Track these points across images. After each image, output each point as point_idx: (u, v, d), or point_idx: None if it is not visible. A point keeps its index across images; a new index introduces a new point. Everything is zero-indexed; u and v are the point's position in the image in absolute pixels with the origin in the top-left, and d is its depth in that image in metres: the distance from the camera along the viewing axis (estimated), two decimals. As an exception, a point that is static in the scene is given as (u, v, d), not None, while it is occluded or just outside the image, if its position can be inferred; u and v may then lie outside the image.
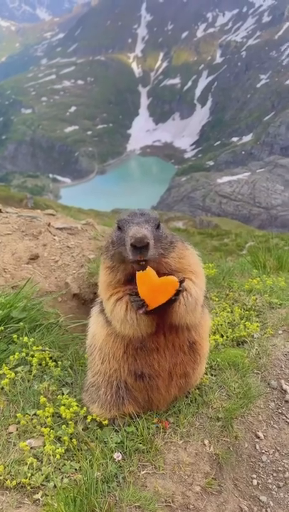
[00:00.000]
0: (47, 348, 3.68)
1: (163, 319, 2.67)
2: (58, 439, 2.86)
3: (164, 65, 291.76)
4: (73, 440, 2.80)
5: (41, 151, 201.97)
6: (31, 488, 2.49)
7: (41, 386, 3.26)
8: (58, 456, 2.67)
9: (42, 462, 2.67)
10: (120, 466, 2.66)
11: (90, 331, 3.06)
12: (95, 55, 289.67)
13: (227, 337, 4.14)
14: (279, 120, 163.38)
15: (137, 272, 2.47)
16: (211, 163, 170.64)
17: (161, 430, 2.94)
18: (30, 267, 5.52)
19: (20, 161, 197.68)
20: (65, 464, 2.66)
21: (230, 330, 4.22)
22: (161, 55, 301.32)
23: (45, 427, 2.88)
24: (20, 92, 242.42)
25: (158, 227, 2.62)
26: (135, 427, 2.92)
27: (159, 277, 2.50)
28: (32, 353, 3.56)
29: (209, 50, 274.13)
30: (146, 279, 2.46)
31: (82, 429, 2.95)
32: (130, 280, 2.66)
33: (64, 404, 3.05)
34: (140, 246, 2.35)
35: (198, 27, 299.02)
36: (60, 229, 6.64)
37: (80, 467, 2.63)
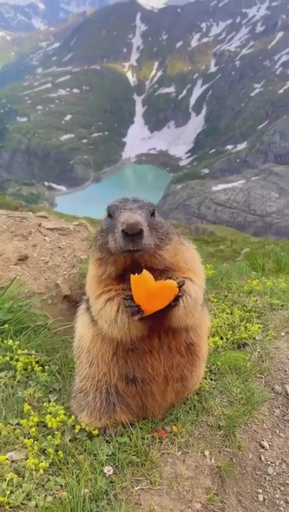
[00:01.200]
0: (33, 352, 3.41)
1: (159, 322, 2.42)
2: (43, 451, 2.58)
3: (159, 74, 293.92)
4: (59, 452, 2.52)
5: (37, 159, 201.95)
6: (10, 507, 2.21)
7: (26, 393, 2.98)
8: (41, 471, 2.39)
9: (24, 478, 2.39)
10: (111, 482, 2.38)
11: (77, 331, 2.80)
12: (90, 64, 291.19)
13: (227, 339, 3.88)
14: (273, 128, 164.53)
15: (131, 276, 2.22)
16: (206, 170, 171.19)
17: (157, 440, 2.67)
18: (19, 268, 5.24)
19: (15, 169, 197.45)
20: (49, 480, 2.38)
21: (231, 332, 3.97)
22: (156, 64, 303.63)
23: (29, 438, 2.60)
24: (15, 101, 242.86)
25: (153, 214, 2.37)
26: (128, 437, 2.65)
27: (155, 279, 2.25)
28: (17, 357, 3.29)
29: (203, 60, 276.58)
30: (142, 283, 2.21)
31: (70, 440, 2.67)
32: (123, 275, 2.40)
33: (50, 413, 2.78)
34: (133, 233, 2.10)
35: (192, 37, 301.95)
36: (51, 229, 6.37)
37: (66, 483, 2.34)
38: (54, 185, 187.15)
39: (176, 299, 2.29)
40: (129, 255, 2.24)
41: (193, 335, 2.65)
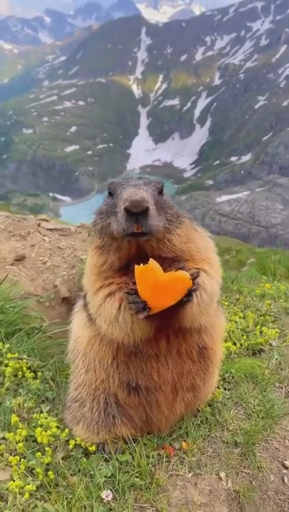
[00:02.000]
0: (25, 356, 3.05)
1: (167, 321, 2.06)
2: (30, 471, 2.20)
3: (164, 86, 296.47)
4: (49, 473, 2.14)
5: (42, 170, 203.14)
6: None
7: (14, 402, 2.62)
8: (26, 496, 2.01)
9: (6, 503, 2.02)
10: (110, 509, 2.00)
11: (73, 332, 2.44)
12: (95, 77, 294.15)
13: (241, 345, 3.51)
14: (277, 140, 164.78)
15: (136, 267, 1.86)
16: (211, 182, 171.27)
17: (165, 459, 2.29)
18: (15, 268, 4.90)
19: (20, 179, 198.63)
20: (36, 507, 2.00)
21: (245, 337, 3.59)
22: (161, 77, 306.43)
23: (15, 455, 2.23)
24: (21, 113, 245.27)
25: (161, 192, 2.03)
26: (131, 454, 2.28)
27: (164, 271, 1.90)
28: (6, 361, 2.93)
29: (208, 73, 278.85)
30: (149, 275, 1.86)
31: (63, 458, 2.30)
32: (126, 267, 2.04)
33: (41, 426, 2.41)
34: (137, 211, 1.75)
35: (196, 50, 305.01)
36: (51, 230, 6.04)
37: (55, 510, 1.96)
38: (59, 196, 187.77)
39: (189, 293, 1.92)
40: (134, 240, 1.89)
41: (206, 337, 2.29)
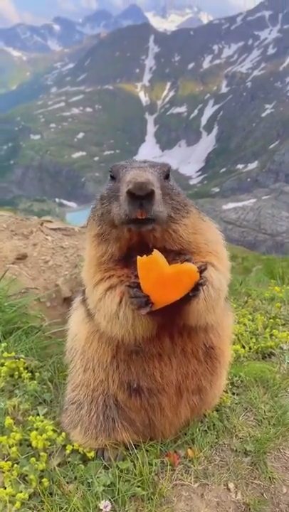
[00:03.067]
0: (22, 356, 2.89)
1: (171, 318, 1.90)
2: (23, 477, 2.04)
3: (171, 94, 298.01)
4: (44, 480, 1.97)
5: (48, 176, 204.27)
6: None
7: (9, 403, 2.46)
8: (17, 504, 1.85)
9: (-4, 512, 1.85)
10: (108, 522, 1.83)
11: (71, 329, 2.28)
12: (103, 84, 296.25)
13: (250, 348, 3.33)
14: (284, 148, 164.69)
15: (138, 258, 1.70)
16: (217, 189, 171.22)
17: (168, 467, 2.11)
18: (16, 267, 4.76)
19: (27, 185, 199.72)
20: (28, 517, 1.84)
21: (254, 340, 3.42)
22: (168, 84, 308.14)
23: (7, 461, 2.07)
24: (29, 119, 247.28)
25: (167, 177, 1.87)
26: (132, 461, 2.11)
27: (169, 264, 1.74)
28: (2, 360, 2.77)
29: (215, 81, 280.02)
30: (153, 267, 1.70)
31: (59, 465, 2.13)
32: (128, 258, 1.89)
33: (37, 429, 2.24)
34: (141, 194, 1.60)
35: (204, 58, 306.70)
36: (54, 229, 5.91)
37: (49, 522, 1.80)
38: (65, 202, 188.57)
39: (196, 287, 1.75)
40: (136, 229, 1.72)
41: (213, 336, 2.11)
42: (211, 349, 2.12)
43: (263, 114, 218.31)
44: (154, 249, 1.73)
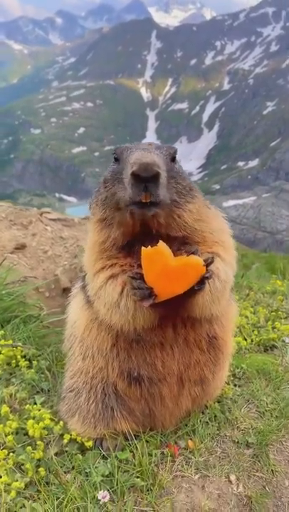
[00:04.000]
0: (19, 344, 2.83)
1: (175, 310, 1.84)
2: (19, 466, 1.98)
3: (173, 90, 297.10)
4: (40, 469, 1.92)
5: (49, 171, 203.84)
6: None
7: (6, 392, 2.41)
8: (13, 494, 1.79)
9: (-9, 501, 1.79)
10: (107, 512, 1.78)
11: (70, 316, 2.21)
12: (104, 79, 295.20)
13: (252, 340, 3.28)
14: (285, 146, 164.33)
15: (142, 249, 1.63)
16: (217, 186, 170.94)
17: (169, 458, 2.06)
18: (15, 256, 4.69)
19: (27, 179, 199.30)
20: (23, 506, 1.78)
21: (256, 332, 3.36)
22: (170, 80, 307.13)
23: (3, 449, 2.02)
24: (30, 113, 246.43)
25: (173, 159, 1.80)
26: (131, 452, 2.05)
27: (173, 254, 1.68)
28: (-1, 348, 2.71)
29: (217, 77, 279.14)
30: (157, 259, 1.63)
31: (56, 454, 2.07)
32: (131, 246, 1.82)
33: (34, 418, 2.19)
34: (146, 176, 1.52)
35: (206, 55, 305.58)
36: (54, 220, 5.84)
37: (45, 511, 1.74)
38: (65, 197, 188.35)
39: (202, 281, 1.68)
40: (139, 214, 1.65)
41: (217, 326, 2.05)
42: (214, 339, 2.06)
43: (265, 112, 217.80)
44: (160, 241, 1.66)
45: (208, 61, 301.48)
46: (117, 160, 1.79)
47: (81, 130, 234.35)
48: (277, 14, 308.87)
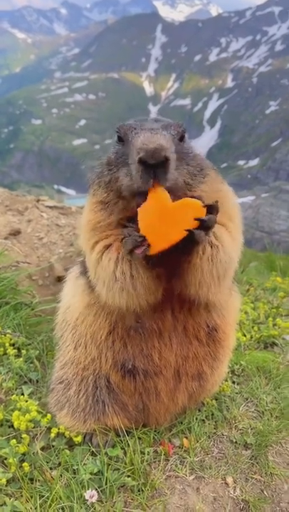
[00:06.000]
0: (8, 331, 2.69)
1: (171, 283, 1.68)
2: (2, 461, 1.85)
3: (176, 85, 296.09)
4: (24, 465, 1.79)
5: (48, 162, 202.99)
6: None
7: (-9, 381, 2.26)
8: (-7, 490, 1.66)
9: None
10: (94, 513, 1.65)
11: (63, 300, 2.07)
12: (108, 71, 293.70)
13: (251, 337, 3.16)
14: (286, 147, 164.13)
15: (138, 210, 1.50)
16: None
17: (162, 457, 1.94)
18: (9, 242, 4.55)
19: (26, 170, 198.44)
20: (4, 503, 1.65)
21: (256, 328, 3.24)
22: (174, 76, 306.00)
23: (-15, 441, 1.88)
24: (31, 103, 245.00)
25: (182, 138, 1.66)
26: (122, 449, 1.93)
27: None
28: (-14, 335, 2.57)
29: (221, 75, 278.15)
30: (154, 206, 1.46)
31: (42, 448, 1.94)
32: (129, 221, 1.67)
33: (20, 409, 2.05)
34: (154, 163, 1.39)
35: (211, 51, 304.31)
36: (51, 207, 5.69)
37: (26, 510, 1.61)
38: (63, 189, 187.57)
39: (201, 225, 1.48)
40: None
41: (217, 317, 1.92)
42: (214, 331, 1.93)
43: (267, 111, 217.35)
44: (160, 188, 1.47)
45: (212, 58, 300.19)
46: (120, 140, 1.65)
47: (82, 122, 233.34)
48: (283, 13, 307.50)
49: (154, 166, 1.40)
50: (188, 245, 1.51)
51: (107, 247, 1.66)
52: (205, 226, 1.49)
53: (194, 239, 1.48)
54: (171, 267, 1.61)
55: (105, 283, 1.65)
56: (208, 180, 1.71)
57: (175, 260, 1.58)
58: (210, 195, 1.67)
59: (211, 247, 1.60)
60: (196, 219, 1.46)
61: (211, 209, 1.51)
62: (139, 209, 1.48)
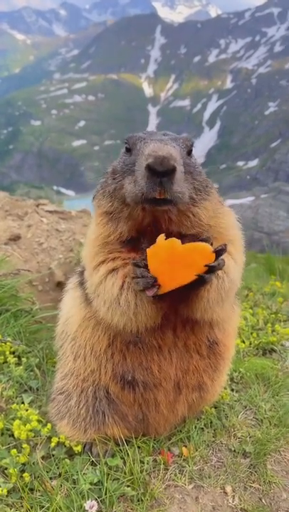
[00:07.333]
0: (9, 339, 2.70)
1: (176, 309, 1.72)
2: (3, 471, 1.87)
3: (175, 87, 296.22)
4: (25, 475, 1.81)
5: (47, 163, 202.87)
6: None
7: (-8, 389, 2.28)
8: (-6, 501, 1.68)
9: (-29, 508, 1.68)
10: (94, 524, 1.66)
11: (63, 311, 2.09)
12: (107, 72, 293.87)
13: (250, 343, 3.17)
14: (286, 148, 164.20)
15: (147, 250, 1.53)
16: (216, 185, 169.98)
17: (162, 466, 1.95)
18: (9, 248, 4.57)
19: (25, 171, 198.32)
20: (5, 515, 1.67)
21: (255, 334, 3.26)
22: (173, 77, 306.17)
23: (-14, 451, 1.89)
24: (31, 104, 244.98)
25: (190, 153, 1.68)
26: (122, 458, 1.94)
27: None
28: (-13, 343, 2.59)
29: (220, 76, 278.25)
30: (163, 248, 1.51)
31: (43, 458, 1.96)
32: (136, 242, 1.69)
33: (20, 418, 2.07)
34: (162, 170, 1.39)
35: (210, 52, 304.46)
36: (51, 212, 5.71)
37: (28, 522, 1.63)
38: (63, 190, 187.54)
39: (210, 269, 1.53)
40: (151, 209, 1.52)
41: (218, 331, 1.93)
42: (215, 344, 1.95)
43: (267, 112, 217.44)
44: (173, 238, 1.52)
45: (211, 59, 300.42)
46: (128, 150, 1.66)
47: (81, 123, 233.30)
48: (282, 15, 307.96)
49: (162, 174, 1.41)
50: (196, 284, 1.56)
51: (113, 270, 1.68)
52: (214, 271, 1.54)
53: (204, 281, 1.54)
54: (177, 299, 1.65)
55: (106, 303, 1.68)
56: (211, 198, 1.73)
57: (181, 293, 1.61)
58: (211, 214, 1.70)
59: (217, 279, 1.64)
60: (206, 265, 1.51)
61: (220, 253, 1.55)
62: (148, 250, 1.52)
